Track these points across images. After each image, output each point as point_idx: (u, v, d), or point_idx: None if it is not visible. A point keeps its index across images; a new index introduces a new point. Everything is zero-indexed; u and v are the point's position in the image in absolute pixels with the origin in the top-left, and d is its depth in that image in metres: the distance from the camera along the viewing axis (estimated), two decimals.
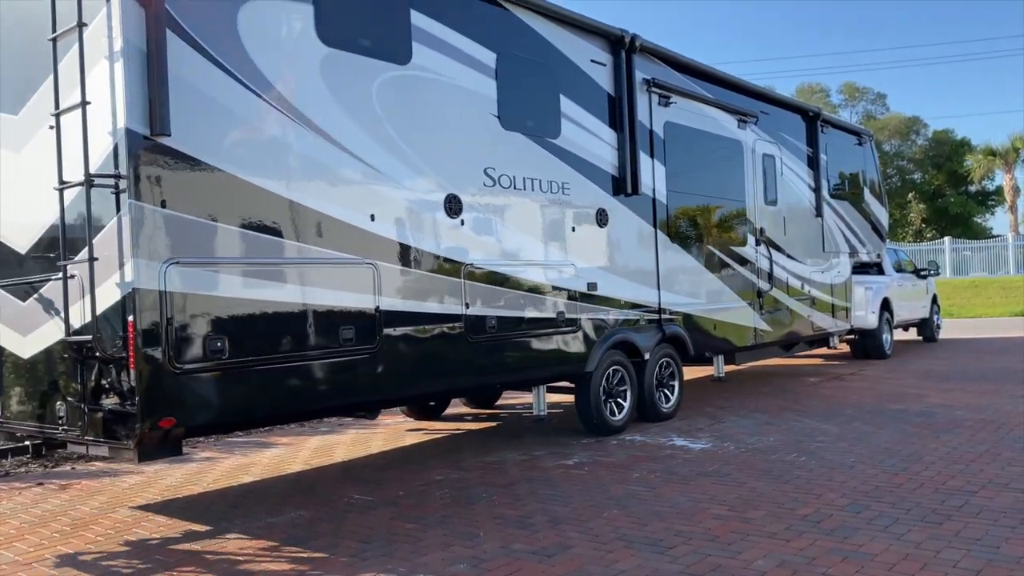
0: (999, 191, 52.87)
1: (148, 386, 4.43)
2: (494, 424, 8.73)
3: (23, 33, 5.22)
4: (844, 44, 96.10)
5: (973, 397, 9.18)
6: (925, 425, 7.63)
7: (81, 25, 4.49)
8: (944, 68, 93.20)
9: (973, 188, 57.68)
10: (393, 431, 8.53)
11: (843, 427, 7.67)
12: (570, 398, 7.73)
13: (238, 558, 4.61)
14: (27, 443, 5.35)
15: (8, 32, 5.33)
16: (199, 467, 7.13)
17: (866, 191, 13.28)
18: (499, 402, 9.90)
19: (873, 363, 12.80)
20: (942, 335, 16.77)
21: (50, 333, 4.94)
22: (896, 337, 14.42)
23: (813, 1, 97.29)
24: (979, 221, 60.80)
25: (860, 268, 13.04)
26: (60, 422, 4.89)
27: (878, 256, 13.59)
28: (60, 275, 4.79)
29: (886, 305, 13.48)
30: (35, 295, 5.09)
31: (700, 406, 9.10)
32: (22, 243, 5.22)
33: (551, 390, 7.48)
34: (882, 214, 13.91)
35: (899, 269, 14.64)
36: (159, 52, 4.51)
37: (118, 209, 4.47)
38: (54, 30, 4.70)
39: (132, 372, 4.41)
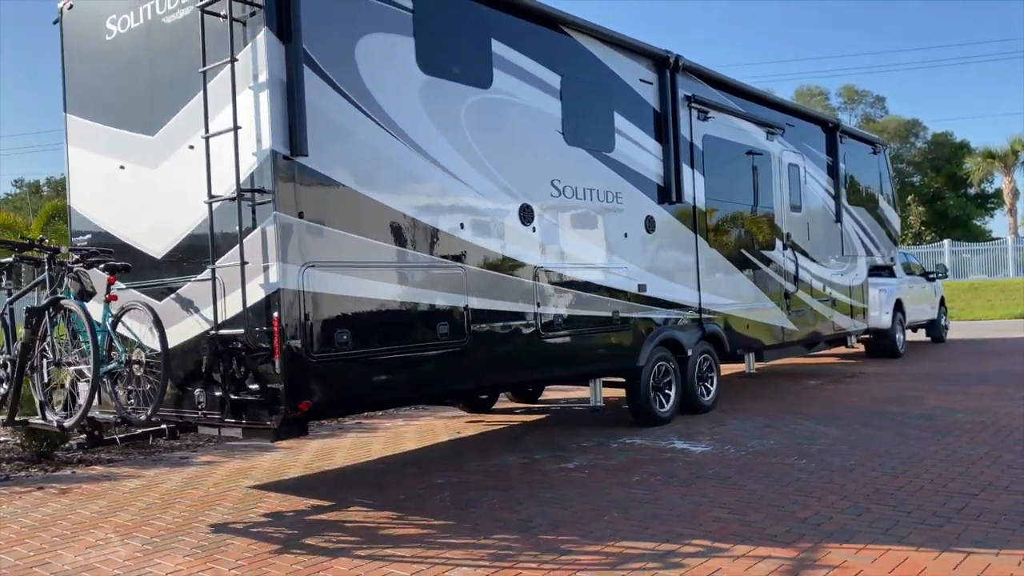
0: (998, 194, 53.69)
1: (291, 373, 5.20)
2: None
3: (156, 65, 5.97)
4: (843, 47, 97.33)
5: (973, 400, 9.29)
6: (925, 427, 7.75)
7: (233, 60, 5.25)
8: (943, 71, 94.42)
9: (972, 191, 58.59)
10: (393, 434, 8.75)
11: (843, 429, 7.81)
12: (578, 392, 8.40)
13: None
14: (163, 426, 6.06)
15: (140, 65, 6.08)
16: (199, 471, 7.33)
17: (880, 197, 14.14)
18: (536, 396, 10.64)
19: (873, 366, 13.14)
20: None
21: (190, 328, 5.67)
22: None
23: (812, 3, 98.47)
24: (978, 224, 61.76)
25: (873, 271, 13.84)
26: (199, 407, 5.63)
27: (891, 259, 14.42)
28: (200, 277, 5.56)
29: (899, 306, 14.30)
30: (172, 295, 5.83)
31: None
32: (157, 249, 5.97)
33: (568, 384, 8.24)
34: (894, 219, 14.77)
35: (908, 272, 15.46)
36: (297, 83, 5.28)
37: (263, 220, 5.23)
38: (204, 64, 5.45)
39: (277, 361, 5.17)
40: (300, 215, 5.33)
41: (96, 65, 6.48)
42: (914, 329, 15.95)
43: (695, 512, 5.28)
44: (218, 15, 5.37)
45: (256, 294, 5.26)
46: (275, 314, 5.18)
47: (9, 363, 5.64)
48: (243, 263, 5.25)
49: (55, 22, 6.85)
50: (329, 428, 9.08)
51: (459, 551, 4.74)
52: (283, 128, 5.25)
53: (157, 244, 5.98)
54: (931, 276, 16.28)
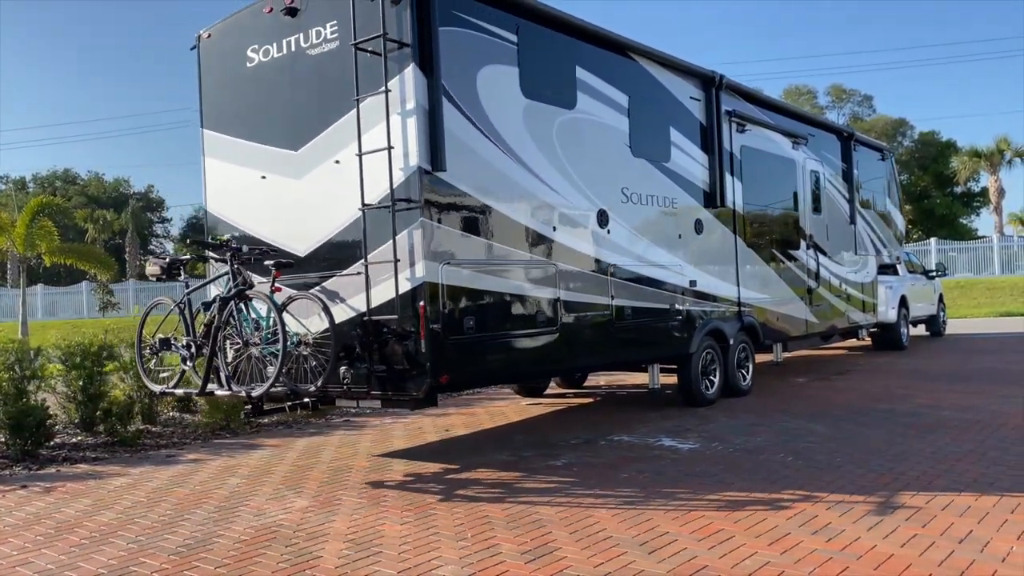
0: (984, 192, 55.08)
1: (433, 352, 6.35)
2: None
3: (299, 90, 7.08)
4: (832, 46, 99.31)
5: (959, 397, 9.58)
6: (912, 425, 8.00)
7: (387, 91, 6.39)
8: (931, 70, 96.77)
9: (959, 189, 60.26)
10: (381, 432, 9.02)
11: (831, 427, 8.05)
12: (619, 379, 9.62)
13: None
14: (306, 400, 7.15)
15: (282, 89, 7.19)
16: (185, 469, 7.53)
17: (887, 200, 15.44)
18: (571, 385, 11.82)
19: (862, 362, 13.70)
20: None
21: (337, 315, 6.76)
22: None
23: (802, 3, 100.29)
24: (964, 222, 63.58)
25: (880, 269, 15.13)
26: (343, 382, 6.74)
27: (896, 258, 15.73)
28: (347, 272, 6.69)
29: (903, 302, 15.63)
30: (315, 288, 6.94)
31: (690, 407, 9.56)
32: (300, 249, 7.07)
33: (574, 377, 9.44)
34: (900, 220, 16.12)
35: (911, 270, 16.79)
36: (437, 109, 6.43)
37: (410, 224, 6.37)
38: (357, 92, 6.57)
39: (422, 342, 6.32)
40: (439, 221, 6.48)
41: (236, 87, 7.59)
42: (915, 324, 17.25)
43: (682, 510, 5.47)
44: (369, 51, 6.49)
45: (405, 286, 6.40)
46: (421, 303, 6.32)
47: (192, 344, 6.74)
48: (396, 260, 6.38)
49: (192, 48, 7.96)
50: (317, 426, 9.58)
51: (444, 550, 4.90)
52: (426, 148, 6.40)
53: (300, 244, 7.09)
54: (931, 274, 17.61)
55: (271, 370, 6.41)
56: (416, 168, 6.36)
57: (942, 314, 18.43)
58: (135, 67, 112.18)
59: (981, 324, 22.22)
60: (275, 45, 7.24)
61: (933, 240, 38.14)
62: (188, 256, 7.22)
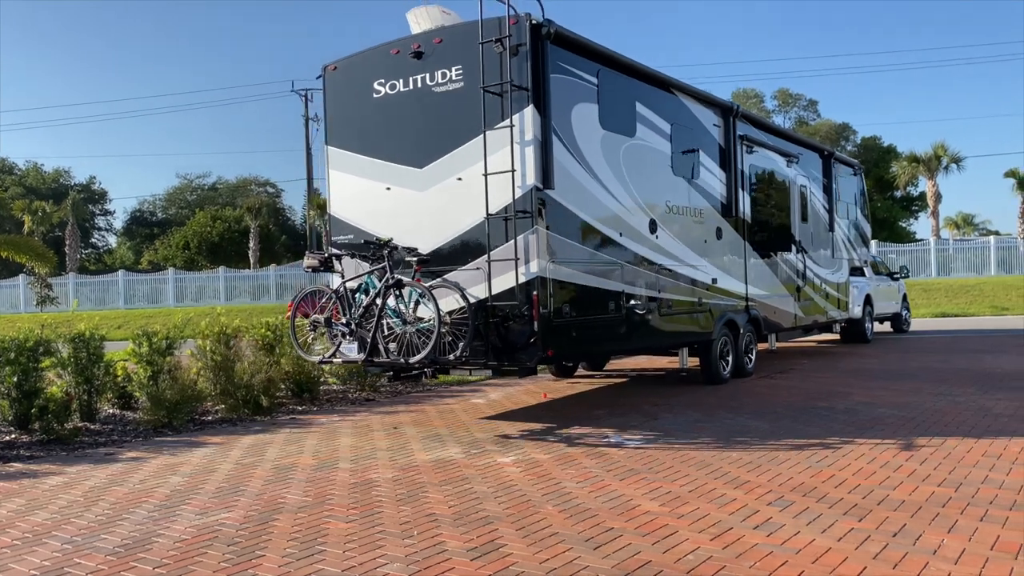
0: (922, 197, 57.96)
1: (543, 331, 8.26)
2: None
3: (423, 119, 8.90)
4: (779, 51, 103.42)
5: (895, 395, 10.13)
6: (849, 422, 8.43)
7: (512, 126, 8.24)
8: (873, 76, 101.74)
9: (899, 193, 63.82)
10: (327, 429, 9.19)
11: (772, 424, 8.47)
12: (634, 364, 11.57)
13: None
14: (427, 369, 8.91)
15: (407, 117, 9.00)
16: (125, 467, 7.51)
17: (858, 210, 17.79)
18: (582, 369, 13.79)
19: (804, 361, 14.46)
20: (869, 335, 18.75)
21: (458, 301, 8.56)
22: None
23: (751, 4, 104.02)
24: (903, 225, 67.41)
25: (854, 272, 17.42)
26: (463, 354, 8.57)
27: (864, 262, 18.08)
28: (468, 267, 8.54)
29: (868, 300, 17.98)
30: (437, 279, 8.74)
31: (638, 403, 10.23)
32: (424, 248, 8.85)
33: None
34: (867, 227, 18.48)
35: (876, 272, 19.15)
36: (547, 140, 8.33)
37: (526, 230, 8.24)
38: (484, 126, 8.40)
39: (535, 323, 8.21)
40: (548, 227, 8.39)
41: (362, 113, 9.37)
42: (881, 321, 19.63)
43: (627, 506, 5.63)
44: (493, 93, 8.34)
45: (522, 278, 8.29)
46: (535, 292, 8.22)
47: (352, 322, 8.50)
48: (516, 258, 8.25)
49: (318, 77, 9.71)
50: (262, 424, 9.73)
51: (390, 548, 4.98)
52: (540, 170, 8.29)
53: (422, 245, 8.89)
54: (895, 276, 20.03)
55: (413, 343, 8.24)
56: (532, 186, 8.25)
57: (905, 312, 20.88)
58: (79, 54, 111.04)
59: (944, 323, 24.49)
60: (401, 81, 9.04)
61: (874, 243, 40.49)
62: (342, 252, 8.98)
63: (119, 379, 10.30)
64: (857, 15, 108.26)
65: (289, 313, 9.16)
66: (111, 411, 10.29)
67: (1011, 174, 46.49)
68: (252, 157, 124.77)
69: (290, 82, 59.96)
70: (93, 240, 77.68)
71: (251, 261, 56.39)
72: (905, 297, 20.90)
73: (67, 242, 59.63)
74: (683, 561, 4.53)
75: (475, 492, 6.15)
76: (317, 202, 47.58)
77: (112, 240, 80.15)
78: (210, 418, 10.11)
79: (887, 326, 20.69)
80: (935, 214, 50.17)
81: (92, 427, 9.49)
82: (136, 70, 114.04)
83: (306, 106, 49.28)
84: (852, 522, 5.12)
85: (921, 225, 72.53)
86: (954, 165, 50.17)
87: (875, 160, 63.03)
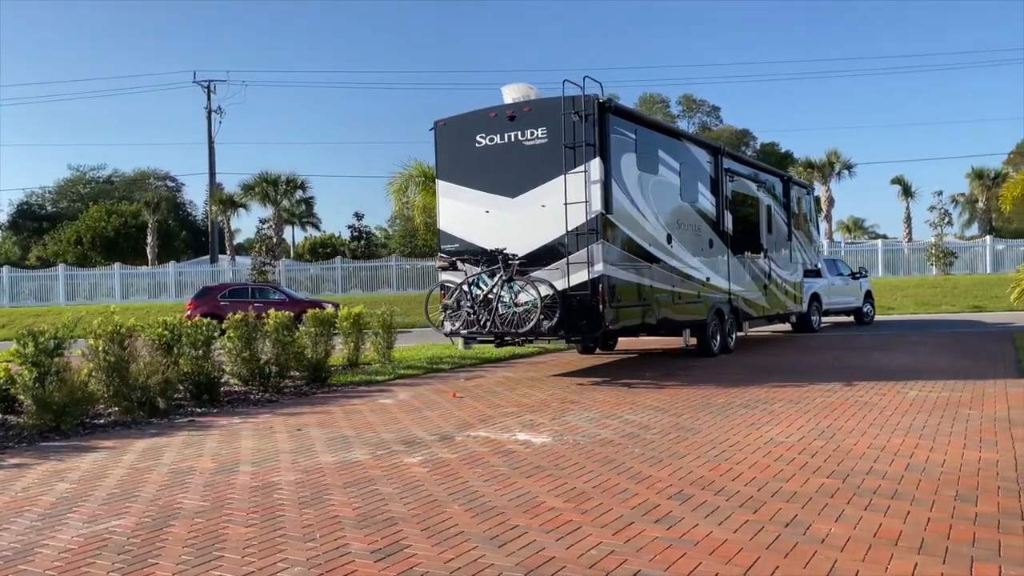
0: (817, 201, 61.53)
1: (604, 313, 12.30)
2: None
3: (515, 163, 12.89)
4: (686, 57, 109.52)
5: (791, 391, 10.75)
6: (746, 417, 8.81)
7: (586, 171, 12.26)
8: (773, 85, 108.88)
9: None
10: (228, 432, 9.06)
11: (674, 420, 8.87)
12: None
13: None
14: (506, 338, 12.88)
15: (502, 161, 12.98)
16: (6, 474, 7.23)
17: (809, 223, 22.24)
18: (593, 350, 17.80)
19: (705, 360, 15.04)
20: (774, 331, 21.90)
21: (544, 291, 12.52)
22: (836, 320, 23.19)
23: (653, 7, 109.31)
24: None
25: (807, 273, 21.75)
26: (544, 329, 12.54)
27: (815, 265, 22.51)
28: (551, 267, 12.54)
29: (815, 297, 22.37)
30: (525, 276, 12.69)
31: (548, 399, 10.92)
32: (519, 253, 12.78)
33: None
34: (816, 237, 22.92)
35: (838, 272, 23.51)
36: (607, 181, 12.44)
37: (592, 242, 12.28)
38: (564, 169, 12.40)
39: (600, 307, 12.26)
40: (607, 240, 12.44)
41: (466, 157, 13.35)
42: (847, 314, 23.91)
43: (533, 503, 5.71)
44: (570, 147, 12.35)
45: (592, 275, 12.33)
46: (600, 285, 12.27)
47: (475, 306, 12.42)
48: (588, 261, 12.26)
49: (430, 130, 13.66)
50: (159, 427, 9.61)
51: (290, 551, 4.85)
52: (603, 201, 12.37)
53: (518, 250, 12.81)
54: (857, 276, 24.44)
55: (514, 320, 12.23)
56: (598, 212, 12.32)
57: (868, 307, 25.06)
58: None
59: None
60: (498, 136, 13.03)
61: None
62: (465, 257, 12.91)
63: (1, 381, 10.05)
64: (762, 25, 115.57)
65: (424, 303, 13.16)
66: None
67: (897, 181, 50.56)
68: (151, 150, 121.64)
69: (191, 72, 58.99)
70: None
71: (149, 258, 54.70)
72: (869, 294, 25.09)
73: None
74: (586, 556, 4.64)
75: (380, 493, 6.18)
76: (219, 197, 47.12)
77: None
78: (102, 421, 9.90)
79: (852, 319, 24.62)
80: (828, 218, 52.26)
81: None
82: (22, 57, 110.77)
83: (209, 98, 49.46)
84: (747, 514, 5.33)
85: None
86: (846, 171, 52.52)
87: (774, 165, 66.80)
